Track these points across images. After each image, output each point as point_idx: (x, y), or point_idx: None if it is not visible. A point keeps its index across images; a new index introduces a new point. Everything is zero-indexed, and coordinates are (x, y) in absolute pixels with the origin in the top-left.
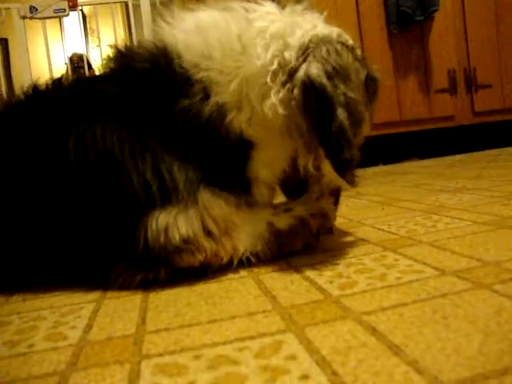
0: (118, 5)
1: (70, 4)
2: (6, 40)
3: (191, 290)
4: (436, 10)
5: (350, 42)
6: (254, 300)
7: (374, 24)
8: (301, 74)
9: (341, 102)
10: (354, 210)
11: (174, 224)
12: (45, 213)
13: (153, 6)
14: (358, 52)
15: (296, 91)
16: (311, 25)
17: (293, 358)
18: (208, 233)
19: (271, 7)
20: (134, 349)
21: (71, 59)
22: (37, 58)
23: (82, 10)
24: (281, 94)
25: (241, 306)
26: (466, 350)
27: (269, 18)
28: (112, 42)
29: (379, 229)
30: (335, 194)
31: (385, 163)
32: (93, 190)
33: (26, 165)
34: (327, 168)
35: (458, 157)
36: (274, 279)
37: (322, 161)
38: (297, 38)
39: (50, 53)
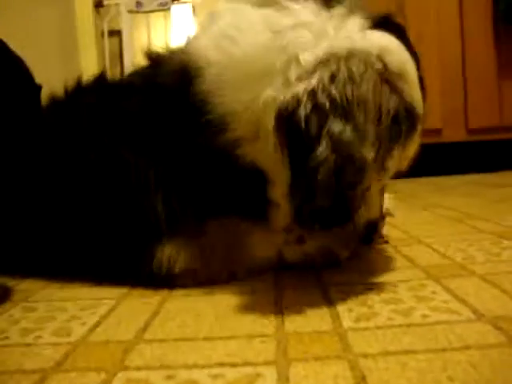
0: None
1: None
2: (119, 32)
3: (210, 300)
4: None
5: (395, 65)
6: (261, 320)
7: (478, 19)
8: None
9: (327, 139)
10: (419, 225)
11: (176, 257)
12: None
13: None
14: (402, 80)
15: (271, 120)
16: (346, 34)
17: None
18: (207, 264)
19: (309, 11)
20: (119, 357)
21: None
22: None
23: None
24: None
25: (246, 325)
26: None
27: (298, 33)
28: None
29: (435, 250)
30: (372, 227)
31: (479, 172)
32: (104, 217)
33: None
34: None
35: None
36: (295, 297)
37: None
38: (313, 55)
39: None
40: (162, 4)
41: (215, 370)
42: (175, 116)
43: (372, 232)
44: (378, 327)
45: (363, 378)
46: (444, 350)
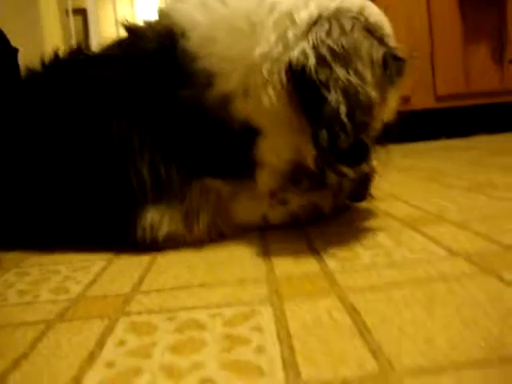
0: None
1: None
2: (84, 10)
3: (198, 254)
4: None
5: (373, 18)
6: (251, 268)
7: None
8: (285, 57)
9: (335, 85)
10: (394, 185)
11: (159, 223)
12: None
13: None
14: (382, 31)
15: (282, 77)
16: None
17: (258, 329)
18: (192, 225)
19: None
20: (119, 306)
21: None
22: (110, 28)
23: None
24: (275, 84)
25: (237, 272)
26: (437, 339)
27: None
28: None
29: (410, 205)
30: (363, 183)
31: (449, 137)
32: (90, 183)
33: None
34: None
35: None
36: (281, 247)
37: None
38: (306, 15)
39: (117, 21)
40: None
41: (213, 311)
42: (160, 78)
43: (363, 188)
44: (363, 267)
45: (353, 307)
46: (423, 281)
